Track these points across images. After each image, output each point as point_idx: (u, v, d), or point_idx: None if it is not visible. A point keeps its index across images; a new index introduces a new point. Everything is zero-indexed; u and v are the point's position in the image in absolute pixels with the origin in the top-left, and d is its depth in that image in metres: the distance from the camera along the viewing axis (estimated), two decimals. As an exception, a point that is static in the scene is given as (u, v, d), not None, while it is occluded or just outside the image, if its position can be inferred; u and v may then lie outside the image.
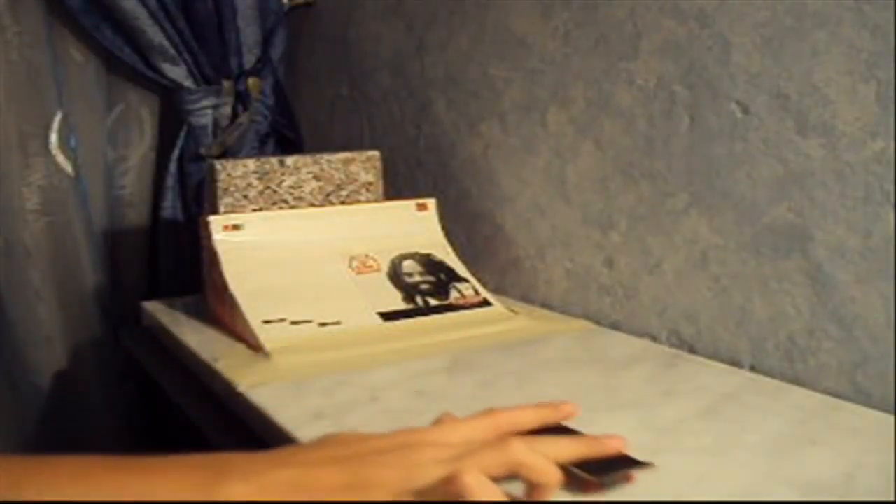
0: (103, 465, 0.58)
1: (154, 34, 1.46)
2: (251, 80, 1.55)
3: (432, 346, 0.99)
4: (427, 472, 0.57)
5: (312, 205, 1.18)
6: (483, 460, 0.57)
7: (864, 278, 0.78)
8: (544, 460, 0.58)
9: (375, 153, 1.23)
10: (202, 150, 1.51)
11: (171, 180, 1.53)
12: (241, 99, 1.54)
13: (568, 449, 0.63)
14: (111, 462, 0.58)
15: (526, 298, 1.19)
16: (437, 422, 0.67)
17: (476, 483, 0.55)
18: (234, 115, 1.55)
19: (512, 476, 0.58)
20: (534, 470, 0.58)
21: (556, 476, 0.58)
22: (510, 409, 0.67)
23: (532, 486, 0.58)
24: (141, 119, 1.60)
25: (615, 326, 1.06)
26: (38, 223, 1.49)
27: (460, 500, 0.54)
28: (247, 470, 0.57)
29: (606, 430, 0.73)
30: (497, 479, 0.57)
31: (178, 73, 1.50)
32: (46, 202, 1.49)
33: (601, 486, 0.62)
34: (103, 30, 1.47)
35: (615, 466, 0.63)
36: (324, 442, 0.63)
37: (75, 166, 1.49)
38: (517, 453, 0.58)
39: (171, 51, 1.48)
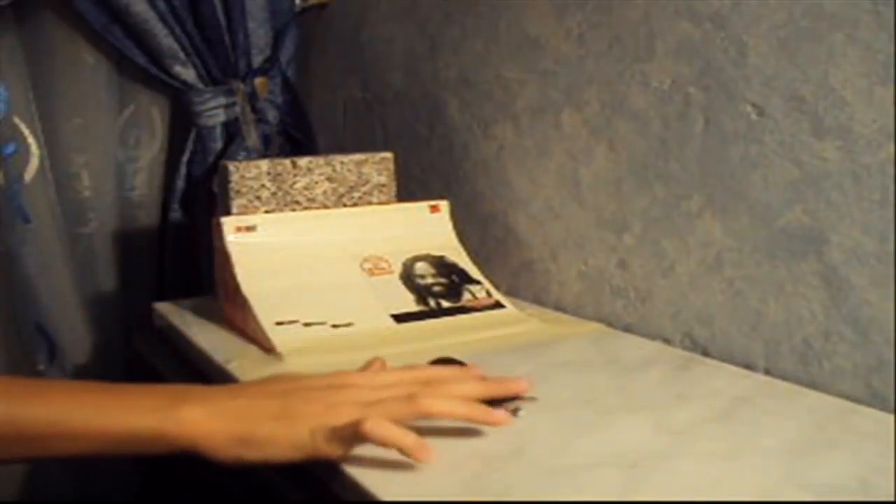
0: (88, 388, 0.75)
1: (163, 37, 1.46)
2: (258, 80, 1.55)
3: (445, 348, 0.98)
4: (343, 412, 0.69)
5: (325, 206, 1.18)
6: (391, 408, 0.69)
7: (879, 281, 0.78)
8: (449, 407, 0.71)
9: (388, 155, 1.23)
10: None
11: (180, 181, 1.53)
12: (250, 99, 1.54)
13: (475, 390, 0.74)
14: (94, 386, 0.75)
15: (539, 301, 1.19)
16: (367, 365, 0.82)
17: (376, 428, 0.66)
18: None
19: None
20: (440, 416, 0.70)
21: (461, 414, 0.71)
22: (437, 369, 0.81)
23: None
24: (152, 121, 1.60)
25: (628, 329, 1.05)
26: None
27: (365, 440, 0.67)
28: (203, 397, 0.72)
29: (621, 433, 0.73)
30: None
31: (187, 74, 1.50)
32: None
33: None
34: (113, 31, 1.47)
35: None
36: (269, 379, 0.78)
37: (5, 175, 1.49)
38: (425, 406, 0.70)
39: (180, 53, 1.48)
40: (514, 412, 0.76)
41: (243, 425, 0.69)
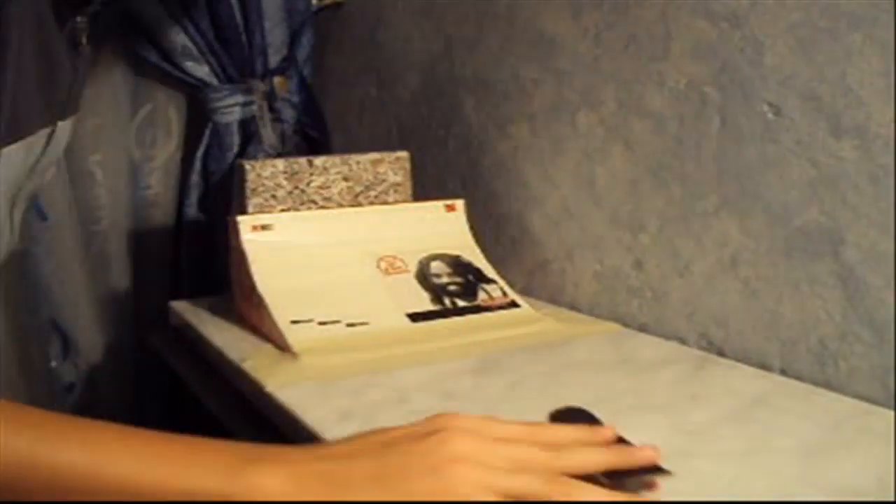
0: (143, 437, 0.59)
1: (176, 35, 1.47)
2: (277, 79, 1.55)
3: (460, 347, 0.99)
4: (458, 486, 0.56)
5: (341, 205, 1.18)
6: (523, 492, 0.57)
7: (897, 282, 0.78)
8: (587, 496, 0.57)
9: (404, 154, 1.23)
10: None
11: (195, 178, 1.54)
12: (268, 98, 1.55)
13: (602, 462, 0.62)
14: (149, 436, 0.59)
15: (554, 300, 1.19)
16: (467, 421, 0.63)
17: None
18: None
19: None
20: None
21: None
22: (559, 430, 0.67)
23: None
24: (168, 120, 1.60)
25: (644, 329, 1.05)
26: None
27: None
28: (278, 459, 0.58)
29: (635, 432, 0.73)
30: None
31: (201, 70, 1.51)
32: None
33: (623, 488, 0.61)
34: (125, 28, 1.47)
35: (639, 472, 0.63)
36: (355, 436, 0.63)
37: None
38: (561, 496, 0.57)
39: (195, 51, 1.49)
40: (648, 487, 0.63)
41: (333, 492, 0.56)
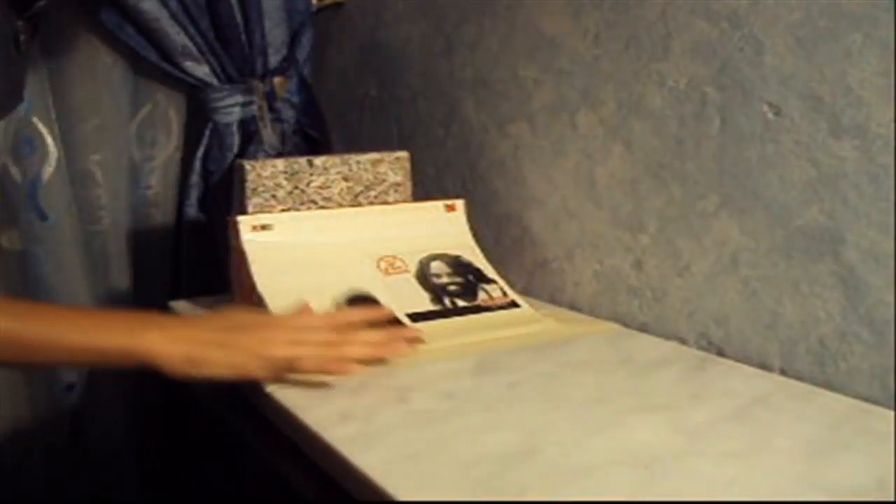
0: (71, 311, 1.07)
1: (176, 34, 1.47)
2: (277, 79, 1.55)
3: (460, 347, 0.99)
4: (276, 347, 0.88)
5: (341, 205, 1.18)
6: (316, 351, 0.89)
7: (897, 282, 0.78)
8: (363, 355, 0.91)
9: (404, 154, 1.23)
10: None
11: (195, 178, 1.54)
12: (268, 98, 1.55)
13: (380, 338, 0.94)
14: (76, 310, 1.06)
15: (554, 300, 1.19)
16: (295, 308, 0.96)
17: (306, 363, 0.88)
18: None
19: None
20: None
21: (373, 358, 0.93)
22: (350, 314, 0.99)
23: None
24: (168, 120, 1.60)
25: (643, 329, 1.05)
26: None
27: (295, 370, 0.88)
28: (162, 324, 0.90)
29: (635, 433, 0.73)
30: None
31: (201, 70, 1.51)
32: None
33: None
34: (126, 28, 1.47)
35: None
36: (214, 313, 0.98)
37: None
38: (345, 353, 0.90)
39: (195, 51, 1.49)
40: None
41: (193, 348, 0.88)
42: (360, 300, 1.04)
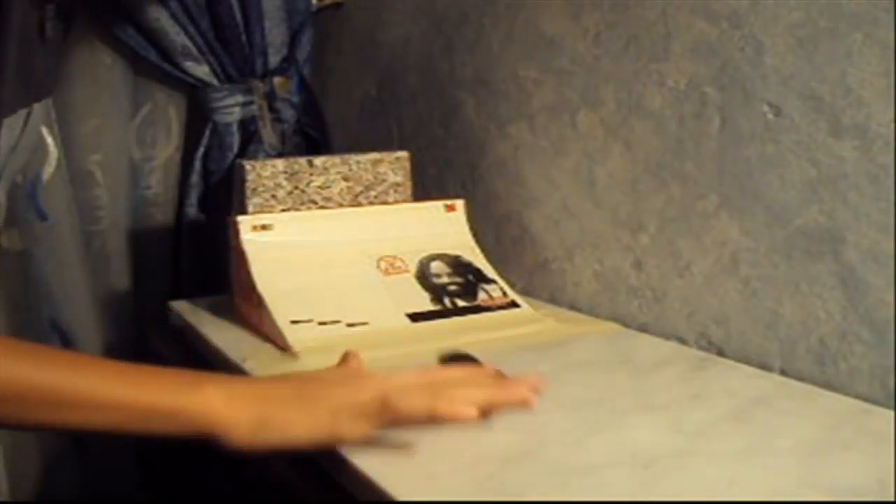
0: (104, 361, 0.75)
1: (176, 34, 1.47)
2: (277, 79, 1.55)
3: (460, 347, 0.98)
4: (366, 392, 0.70)
5: (341, 205, 1.18)
6: (413, 397, 0.69)
7: (897, 282, 0.77)
8: (466, 414, 0.69)
9: (404, 154, 1.23)
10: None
11: (195, 178, 1.54)
12: (268, 98, 1.55)
13: (486, 396, 0.72)
14: (111, 361, 0.73)
15: (554, 300, 1.19)
16: (342, 359, 0.81)
17: (404, 400, 0.69)
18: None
19: None
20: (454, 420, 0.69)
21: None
22: (450, 372, 0.79)
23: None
24: (168, 120, 1.60)
25: (643, 329, 1.05)
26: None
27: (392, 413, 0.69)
28: (222, 381, 0.72)
29: (635, 433, 0.73)
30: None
31: (201, 70, 1.51)
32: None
33: None
34: (126, 28, 1.47)
35: None
36: (285, 374, 0.83)
37: None
38: (442, 407, 0.69)
39: (194, 50, 1.49)
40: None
41: (263, 407, 0.70)
42: (459, 359, 0.88)
